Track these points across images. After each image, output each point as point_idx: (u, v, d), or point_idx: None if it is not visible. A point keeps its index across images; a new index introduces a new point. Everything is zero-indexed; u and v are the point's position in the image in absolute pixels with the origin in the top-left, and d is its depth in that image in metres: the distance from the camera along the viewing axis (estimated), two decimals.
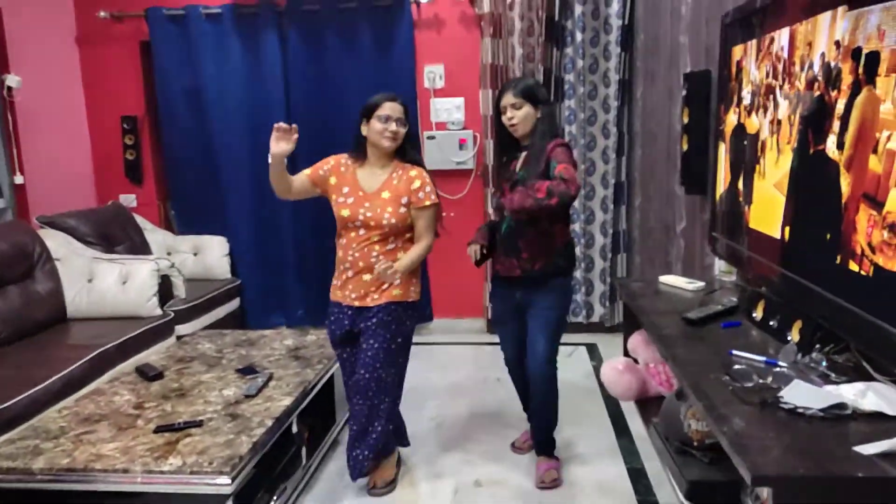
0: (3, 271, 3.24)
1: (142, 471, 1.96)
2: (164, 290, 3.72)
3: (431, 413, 3.34)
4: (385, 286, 2.46)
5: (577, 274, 4.36)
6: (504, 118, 2.53)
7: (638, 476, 2.70)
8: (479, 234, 2.67)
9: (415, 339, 4.37)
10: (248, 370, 2.72)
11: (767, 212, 1.89)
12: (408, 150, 2.50)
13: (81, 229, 3.88)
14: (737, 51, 2.15)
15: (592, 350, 4.19)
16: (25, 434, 2.21)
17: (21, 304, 3.28)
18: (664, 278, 2.38)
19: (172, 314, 3.67)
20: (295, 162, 4.40)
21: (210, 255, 4.48)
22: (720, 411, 1.41)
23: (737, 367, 1.57)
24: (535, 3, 4.11)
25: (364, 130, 2.45)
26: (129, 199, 4.67)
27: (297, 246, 4.57)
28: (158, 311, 3.60)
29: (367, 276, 2.45)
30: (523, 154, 2.54)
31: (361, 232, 2.44)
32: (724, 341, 1.79)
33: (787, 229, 1.77)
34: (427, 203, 2.44)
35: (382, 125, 2.39)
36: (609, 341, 4.30)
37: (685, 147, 2.71)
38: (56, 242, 3.64)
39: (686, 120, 2.69)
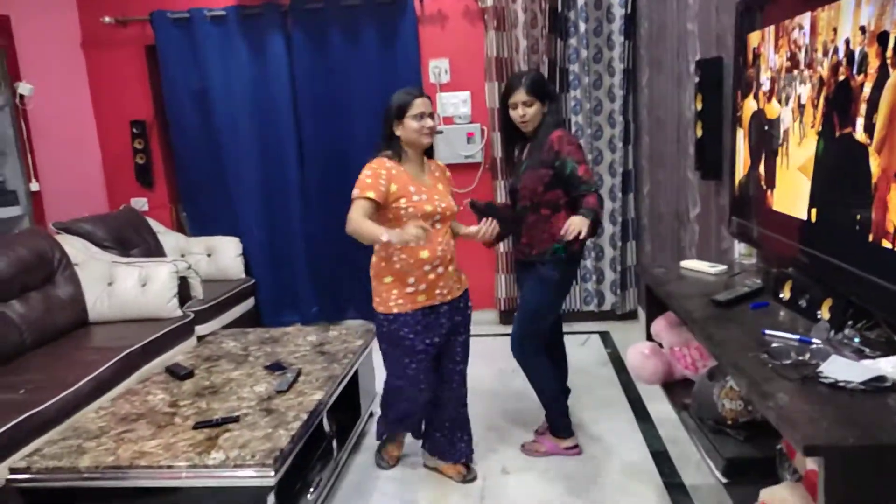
0: (24, 277, 3.27)
1: (186, 466, 2.00)
2: (182, 291, 3.75)
3: None
4: (461, 275, 2.60)
5: (588, 263, 4.41)
6: (515, 114, 2.59)
7: (662, 459, 2.76)
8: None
9: None
10: (276, 366, 2.75)
11: (792, 194, 1.93)
12: (430, 149, 2.58)
13: (97, 234, 3.90)
14: (753, 37, 2.19)
15: (606, 338, 4.24)
16: (66, 434, 2.25)
17: (43, 309, 3.30)
18: (685, 263, 2.42)
19: (192, 315, 3.70)
20: (304, 159, 4.48)
21: (223, 255, 4.51)
22: (763, 388, 1.45)
23: (774, 345, 1.62)
24: None
25: (398, 131, 2.43)
26: (140, 203, 4.69)
27: (310, 243, 4.60)
28: (179, 312, 3.63)
29: (451, 268, 2.51)
30: (528, 145, 2.64)
31: (439, 226, 2.46)
32: (756, 321, 1.83)
33: (815, 211, 1.81)
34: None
35: (419, 123, 2.39)
36: (622, 328, 4.35)
37: (699, 133, 2.75)
38: (74, 248, 3.66)
39: (699, 106, 2.73)
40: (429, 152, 2.56)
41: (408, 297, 2.44)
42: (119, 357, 3.00)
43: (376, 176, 2.36)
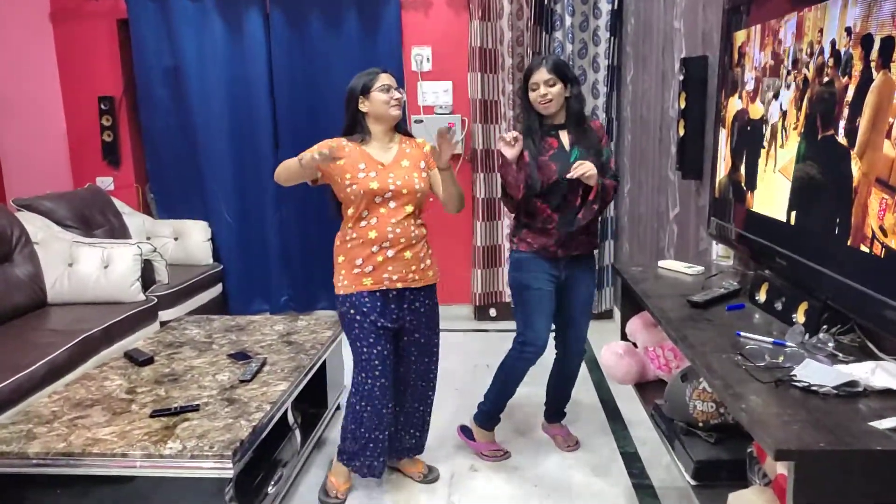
0: None
1: (141, 455, 1.92)
2: (146, 275, 3.64)
3: None
4: (423, 265, 2.38)
5: None
6: (535, 95, 2.46)
7: (631, 459, 2.74)
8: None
9: None
10: (240, 355, 2.67)
11: (772, 196, 1.91)
12: (400, 125, 2.44)
13: (59, 212, 3.77)
14: (739, 36, 2.16)
15: None
16: (17, 419, 2.15)
17: (0, 288, 3.17)
18: (663, 263, 2.40)
19: (156, 300, 3.59)
20: (279, 143, 4.38)
21: (191, 239, 4.39)
22: (735, 390, 1.42)
23: (749, 347, 1.59)
24: None
25: (364, 107, 2.34)
26: (106, 182, 4.55)
27: (281, 231, 4.51)
28: (141, 297, 3.52)
29: (408, 254, 2.34)
30: (563, 132, 2.50)
31: (392, 205, 2.30)
32: (731, 323, 1.81)
33: (794, 213, 1.79)
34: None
35: (387, 94, 2.29)
36: (597, 328, 4.30)
37: (682, 132, 2.72)
38: (34, 226, 3.53)
39: (683, 105, 2.70)
40: (404, 134, 2.45)
41: (354, 277, 2.32)
42: (77, 340, 2.89)
43: (324, 144, 2.30)
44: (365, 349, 2.35)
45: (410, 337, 2.45)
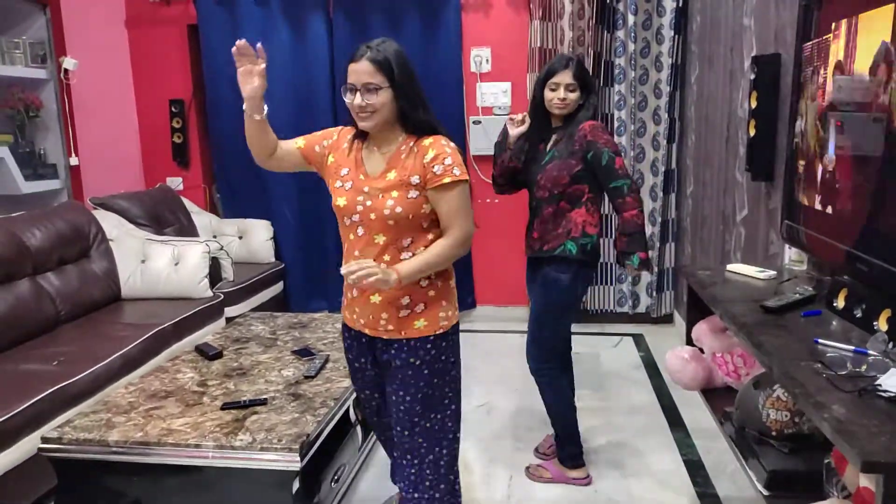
0: (61, 250, 3.30)
1: (213, 446, 1.98)
2: (213, 272, 3.76)
3: (479, 400, 3.33)
4: (404, 313, 1.80)
5: None
6: (553, 95, 2.40)
7: (695, 468, 2.67)
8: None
9: None
10: (304, 352, 2.73)
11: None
12: (409, 115, 1.77)
13: (133, 211, 3.93)
14: (817, 33, 2.09)
15: (639, 340, 4.14)
16: (97, 408, 2.26)
17: (78, 283, 3.33)
18: (732, 266, 2.33)
19: (222, 296, 3.70)
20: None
21: (254, 238, 4.51)
22: (817, 399, 1.37)
23: (829, 354, 1.53)
24: None
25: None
26: (175, 182, 4.72)
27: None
28: (209, 293, 3.63)
29: (375, 298, 1.80)
30: (554, 136, 2.47)
31: (360, 232, 1.78)
32: (807, 330, 1.74)
33: (881, 218, 1.71)
34: (447, 180, 1.71)
35: (348, 99, 1.76)
36: (656, 332, 4.25)
37: (752, 133, 2.64)
38: (110, 223, 3.69)
39: (754, 105, 2.62)
40: (420, 130, 1.78)
41: (342, 304, 1.99)
42: (150, 334, 3.01)
43: (327, 134, 1.94)
44: (356, 386, 2.07)
45: (393, 396, 1.88)
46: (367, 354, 1.93)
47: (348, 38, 4.33)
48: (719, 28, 3.42)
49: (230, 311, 3.74)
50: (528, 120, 2.45)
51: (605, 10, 4.04)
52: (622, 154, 2.50)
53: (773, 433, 1.82)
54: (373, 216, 1.75)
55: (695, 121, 3.93)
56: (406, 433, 1.87)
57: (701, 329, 2.36)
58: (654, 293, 4.32)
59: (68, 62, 3.92)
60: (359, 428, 2.65)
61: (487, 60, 4.35)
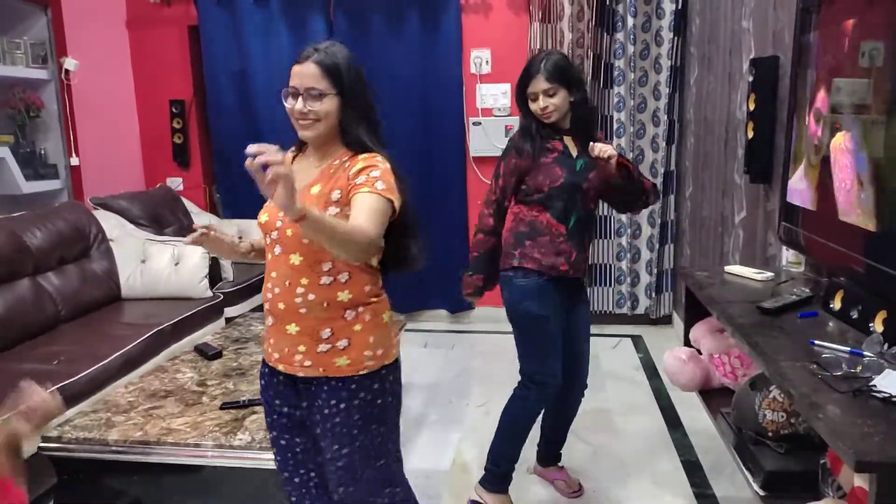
0: (62, 250, 3.31)
1: (212, 445, 1.99)
2: (213, 272, 3.77)
3: (478, 400, 3.34)
4: (323, 348, 1.57)
5: (623, 265, 4.33)
6: (535, 106, 2.18)
7: (693, 469, 2.68)
8: (477, 265, 2.39)
9: (456, 326, 4.26)
10: None
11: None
12: (347, 129, 1.60)
13: (133, 211, 3.94)
14: (814, 36, 2.10)
15: (638, 342, 4.15)
16: (97, 407, 2.27)
17: (79, 282, 3.34)
18: (730, 268, 2.34)
19: (222, 296, 3.71)
20: None
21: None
22: (812, 399, 1.38)
23: (825, 355, 1.54)
24: None
25: None
26: (175, 183, 4.73)
27: None
28: (209, 293, 3.64)
29: (292, 328, 1.57)
30: (567, 138, 2.25)
31: (277, 251, 1.58)
32: (804, 331, 1.76)
33: (878, 220, 1.72)
34: (364, 189, 1.51)
35: (288, 105, 1.58)
36: (655, 333, 4.26)
37: (750, 135, 2.65)
38: (110, 224, 3.70)
39: (752, 107, 2.63)
40: (356, 146, 1.60)
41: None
42: (150, 334, 3.02)
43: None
44: (269, 431, 1.74)
45: (328, 453, 1.64)
46: (285, 395, 1.65)
47: (348, 39, 4.34)
48: (718, 30, 3.44)
49: (230, 312, 3.75)
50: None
51: (604, 12, 4.05)
52: None
53: (770, 434, 1.83)
54: (289, 233, 1.55)
55: (694, 123, 3.95)
56: (350, 489, 1.65)
57: (699, 330, 2.38)
58: (653, 294, 4.33)
59: (69, 62, 3.93)
60: None
61: (487, 62, 4.36)
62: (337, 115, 1.58)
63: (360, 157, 1.58)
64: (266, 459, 1.97)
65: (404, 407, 3.20)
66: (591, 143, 2.14)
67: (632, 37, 4.06)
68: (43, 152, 3.93)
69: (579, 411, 2.56)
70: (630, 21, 4.04)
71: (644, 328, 4.34)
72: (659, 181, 4.20)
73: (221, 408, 2.21)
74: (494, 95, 4.38)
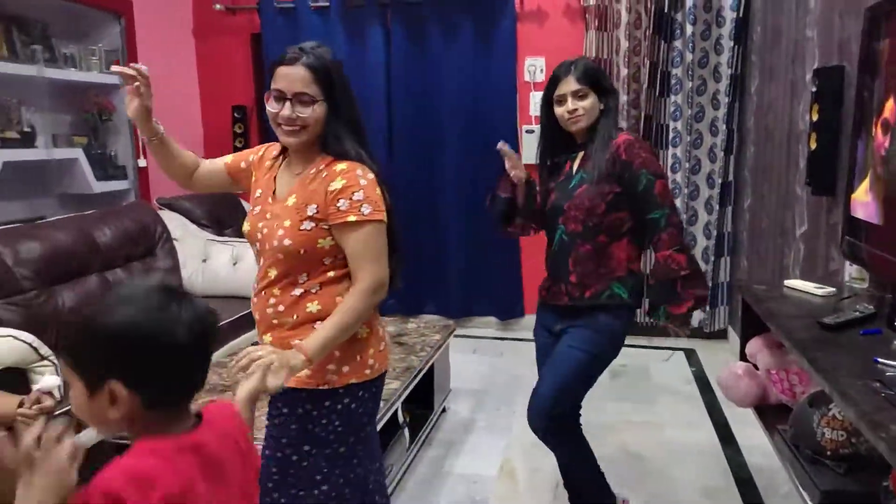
0: (129, 248, 3.46)
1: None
2: None
3: (523, 409, 3.33)
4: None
5: None
6: (562, 111, 2.01)
7: (747, 486, 2.61)
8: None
9: (505, 334, 4.27)
10: None
11: None
12: (329, 141, 1.54)
13: (196, 212, 4.09)
14: (884, 45, 2.04)
15: (691, 355, 4.07)
16: None
17: (143, 279, 3.48)
18: (789, 282, 2.28)
19: None
20: (393, 151, 4.53)
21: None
22: (874, 418, 1.34)
23: (889, 373, 1.50)
24: None
25: None
26: None
27: None
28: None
29: (266, 338, 1.57)
30: (580, 154, 2.07)
31: (261, 262, 1.60)
32: (866, 348, 1.70)
33: None
34: (352, 219, 1.48)
35: (273, 109, 1.51)
36: (708, 347, 4.17)
37: (813, 146, 2.58)
38: (174, 223, 3.85)
39: (815, 117, 2.56)
40: (334, 151, 1.54)
41: None
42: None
43: (256, 149, 1.74)
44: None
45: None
46: (269, 410, 1.61)
47: (405, 48, 4.41)
48: (781, 39, 3.36)
49: None
50: (517, 163, 2.11)
51: (662, 19, 4.01)
52: (665, 175, 2.07)
53: (829, 453, 1.78)
54: (267, 245, 1.53)
55: (754, 132, 3.86)
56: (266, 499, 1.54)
57: (755, 345, 2.32)
58: (708, 308, 4.24)
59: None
60: (406, 430, 2.69)
61: (542, 70, 4.36)
62: (324, 122, 1.52)
63: (338, 167, 1.52)
64: None
65: (451, 411, 3.27)
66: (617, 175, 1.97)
67: (690, 45, 4.00)
68: (113, 154, 4.12)
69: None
70: (689, 29, 3.98)
71: (697, 342, 4.25)
72: (716, 192, 4.12)
73: None
74: None
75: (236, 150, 4.80)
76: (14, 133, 3.44)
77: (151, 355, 0.92)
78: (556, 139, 2.10)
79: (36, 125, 3.58)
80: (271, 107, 1.51)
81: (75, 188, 3.80)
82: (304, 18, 4.50)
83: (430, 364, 2.89)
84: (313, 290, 1.53)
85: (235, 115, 4.80)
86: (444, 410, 3.23)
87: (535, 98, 4.37)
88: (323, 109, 1.51)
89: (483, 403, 3.41)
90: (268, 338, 1.56)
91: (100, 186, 3.86)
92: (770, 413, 2.21)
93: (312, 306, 1.53)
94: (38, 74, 3.51)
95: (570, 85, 1.99)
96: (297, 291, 1.53)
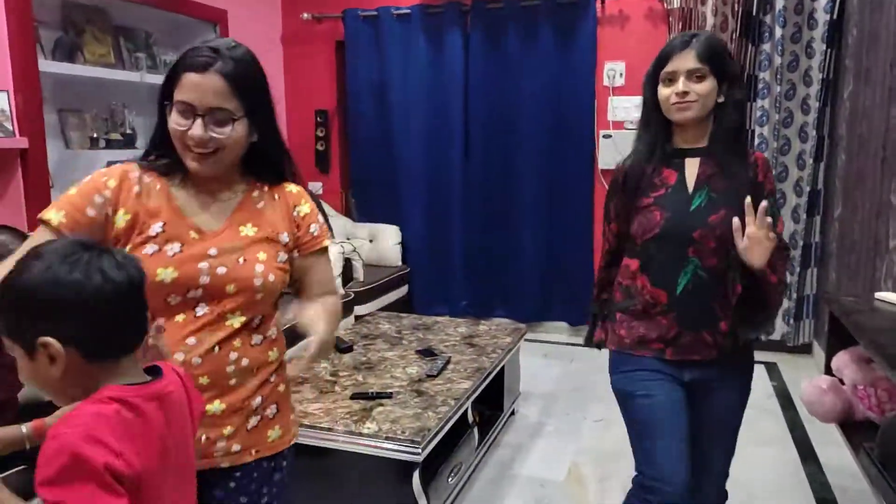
0: None
1: (343, 431, 2.13)
2: (346, 272, 4.00)
3: (596, 415, 3.30)
4: (254, 422, 1.28)
5: None
6: (668, 91, 1.56)
7: None
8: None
9: (577, 339, 4.23)
10: (427, 352, 2.85)
11: None
12: (257, 164, 1.33)
13: None
14: None
15: (772, 369, 3.91)
16: None
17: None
18: (881, 295, 2.18)
19: (353, 295, 3.93)
20: (469, 154, 4.58)
21: (384, 242, 4.74)
22: None
23: None
24: None
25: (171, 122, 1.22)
26: (316, 187, 5.05)
27: (465, 239, 4.70)
28: (342, 291, 3.86)
29: (216, 407, 1.24)
30: (691, 161, 1.62)
31: (201, 311, 1.23)
32: None
33: None
34: (327, 243, 1.40)
35: (179, 126, 1.19)
36: (791, 362, 4.00)
37: None
38: None
39: None
40: (274, 175, 1.35)
41: None
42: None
43: (88, 190, 1.23)
44: None
45: None
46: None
47: (483, 53, 4.46)
48: (878, 42, 3.20)
49: (359, 310, 3.96)
50: None
51: (750, 22, 3.89)
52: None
53: None
54: (231, 288, 1.22)
55: (846, 139, 3.68)
56: None
57: (842, 359, 2.23)
58: (792, 321, 4.07)
59: None
60: (476, 430, 2.72)
61: (621, 74, 4.31)
62: (245, 142, 1.25)
63: (290, 188, 1.37)
64: (389, 449, 2.09)
65: (520, 414, 3.28)
66: (753, 204, 1.49)
67: (779, 48, 3.86)
68: None
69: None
70: (778, 31, 3.84)
71: (779, 355, 4.08)
72: (804, 200, 3.95)
73: (351, 398, 2.36)
74: (627, 108, 4.32)
75: (318, 152, 5.01)
76: (118, 135, 3.69)
77: (73, 305, 0.90)
78: (661, 135, 1.64)
79: (137, 128, 3.83)
80: (176, 124, 1.19)
81: None
82: (386, 25, 4.62)
83: (500, 365, 2.91)
84: (272, 336, 1.32)
85: (318, 118, 4.97)
86: (513, 413, 3.24)
87: (614, 103, 4.33)
88: (244, 127, 1.23)
89: (552, 408, 3.40)
90: (216, 406, 1.24)
91: None
92: (856, 430, 2.11)
93: (273, 354, 1.32)
94: (140, 80, 3.75)
95: (686, 61, 1.54)
96: (257, 339, 1.28)
